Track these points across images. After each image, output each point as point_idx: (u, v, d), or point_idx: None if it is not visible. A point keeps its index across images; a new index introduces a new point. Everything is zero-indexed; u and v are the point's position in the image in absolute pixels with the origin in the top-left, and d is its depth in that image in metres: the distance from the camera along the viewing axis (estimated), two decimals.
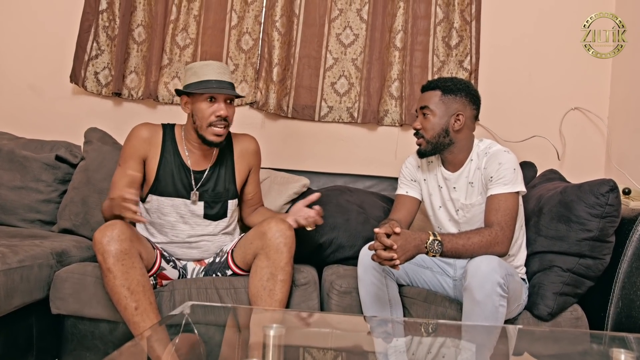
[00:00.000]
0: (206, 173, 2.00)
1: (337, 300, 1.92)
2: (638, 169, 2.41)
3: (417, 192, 1.99)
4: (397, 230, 1.60)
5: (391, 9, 2.70)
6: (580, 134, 2.71)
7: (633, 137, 2.49)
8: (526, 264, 1.92)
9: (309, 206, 1.97)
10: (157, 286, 1.91)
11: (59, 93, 2.81)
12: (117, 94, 2.75)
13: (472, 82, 2.63)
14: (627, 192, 2.17)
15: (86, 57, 2.72)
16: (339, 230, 2.21)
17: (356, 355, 1.54)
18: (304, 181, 2.49)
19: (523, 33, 2.73)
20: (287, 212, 2.26)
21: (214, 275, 1.99)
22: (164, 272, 1.92)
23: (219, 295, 1.89)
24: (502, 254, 1.69)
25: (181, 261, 2.03)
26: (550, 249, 1.88)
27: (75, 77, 2.73)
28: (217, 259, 2.01)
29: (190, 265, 2.03)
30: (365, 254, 1.81)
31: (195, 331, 1.55)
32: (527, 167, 2.29)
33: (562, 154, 2.70)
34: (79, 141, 2.58)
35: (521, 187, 1.76)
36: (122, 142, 2.03)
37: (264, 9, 2.75)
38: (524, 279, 1.90)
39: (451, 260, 1.95)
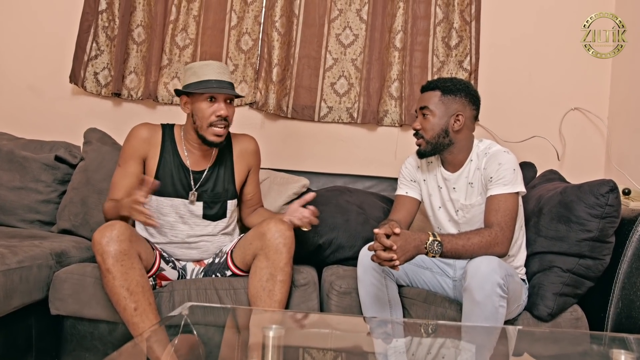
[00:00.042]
0: (205, 173, 2.00)
1: (337, 300, 1.92)
2: (638, 169, 2.41)
3: (416, 192, 1.99)
4: (397, 230, 1.60)
5: (391, 9, 2.70)
6: (580, 134, 2.71)
7: (633, 138, 2.49)
8: (526, 265, 1.92)
9: (305, 206, 1.96)
10: (157, 287, 1.91)
11: (59, 93, 2.81)
12: (117, 95, 2.75)
13: (472, 82, 2.63)
14: (627, 192, 2.17)
15: (86, 58, 2.72)
16: (339, 230, 2.20)
17: (356, 356, 1.54)
18: (304, 181, 2.49)
19: (523, 33, 2.73)
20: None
21: (213, 275, 1.99)
22: (163, 272, 1.91)
23: (219, 295, 1.89)
24: (502, 255, 1.68)
25: (180, 262, 2.03)
26: (550, 250, 1.88)
27: (75, 78, 2.73)
28: (217, 260, 2.01)
29: (190, 266, 2.03)
30: (364, 254, 1.81)
31: (195, 332, 1.55)
32: (526, 168, 2.29)
33: (562, 154, 2.70)
34: (79, 141, 2.57)
35: (521, 188, 1.75)
36: (121, 143, 2.03)
37: (263, 9, 2.75)
38: (523, 280, 1.89)
39: (451, 261, 1.95)
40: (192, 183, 1.98)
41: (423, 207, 2.03)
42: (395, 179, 2.09)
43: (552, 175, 2.25)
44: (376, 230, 1.62)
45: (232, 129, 2.00)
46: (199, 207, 1.98)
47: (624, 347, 1.48)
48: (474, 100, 1.87)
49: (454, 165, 1.89)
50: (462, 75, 2.66)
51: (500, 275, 1.58)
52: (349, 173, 2.68)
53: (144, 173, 1.97)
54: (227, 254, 1.99)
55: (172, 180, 1.96)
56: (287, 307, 1.86)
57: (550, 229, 1.89)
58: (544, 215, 1.92)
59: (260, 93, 2.71)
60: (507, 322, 1.73)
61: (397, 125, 2.71)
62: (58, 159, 2.46)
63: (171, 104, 2.76)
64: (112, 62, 2.74)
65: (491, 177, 1.76)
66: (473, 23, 2.67)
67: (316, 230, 2.17)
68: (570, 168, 2.63)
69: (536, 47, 2.72)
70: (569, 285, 1.84)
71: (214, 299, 1.88)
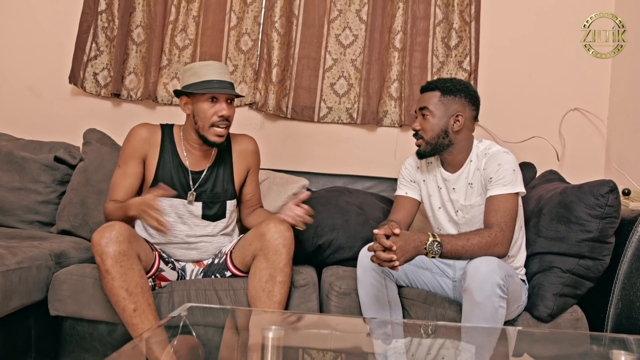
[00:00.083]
0: (204, 173, 2.00)
1: (337, 301, 1.92)
2: (638, 169, 2.41)
3: (416, 193, 1.99)
4: (397, 231, 1.60)
5: (390, 9, 2.70)
6: (580, 134, 2.71)
7: (633, 138, 2.49)
8: (526, 265, 1.92)
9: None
10: (156, 287, 1.91)
11: (58, 94, 2.81)
12: (116, 95, 2.75)
13: (472, 82, 2.63)
14: (626, 193, 2.17)
15: (85, 58, 2.72)
16: (338, 231, 2.20)
17: (355, 356, 1.54)
18: (303, 182, 2.48)
19: (523, 33, 2.73)
20: None
21: (212, 276, 1.99)
22: (162, 273, 1.91)
23: (218, 296, 1.89)
24: (502, 255, 1.68)
25: (180, 262, 2.03)
26: (550, 250, 1.88)
27: (74, 78, 2.72)
28: (216, 260, 2.01)
29: (189, 267, 2.03)
30: (364, 255, 1.81)
31: (194, 333, 1.54)
32: (526, 168, 2.29)
33: (561, 154, 2.70)
34: (78, 142, 2.57)
35: (521, 188, 1.75)
36: (121, 143, 2.02)
37: (263, 10, 2.75)
38: (523, 280, 1.89)
39: (451, 262, 1.95)
40: (191, 183, 1.98)
41: (423, 208, 2.02)
42: (395, 180, 2.09)
43: (552, 176, 2.25)
44: (376, 231, 1.62)
45: (231, 130, 2.00)
46: (198, 207, 1.97)
47: (623, 348, 1.48)
48: (474, 100, 1.87)
49: (453, 166, 1.88)
50: (461, 76, 2.66)
51: (500, 275, 1.58)
52: (349, 173, 2.68)
53: (144, 173, 1.97)
54: (226, 254, 1.98)
55: (171, 180, 1.96)
56: (286, 307, 1.86)
57: (550, 229, 1.88)
58: (544, 216, 1.92)
59: (260, 93, 2.71)
60: (507, 323, 1.73)
61: (396, 125, 2.71)
62: (57, 159, 2.46)
63: (170, 104, 2.75)
64: (112, 62, 2.73)
65: (491, 178, 1.76)
66: (473, 23, 2.66)
67: (316, 231, 2.17)
68: (570, 168, 2.63)
69: (536, 47, 2.72)
70: (569, 286, 1.83)
71: (213, 299, 1.88)
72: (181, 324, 1.48)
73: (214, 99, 1.90)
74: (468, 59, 2.67)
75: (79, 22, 2.71)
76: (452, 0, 2.67)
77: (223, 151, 2.05)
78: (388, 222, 1.86)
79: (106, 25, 2.74)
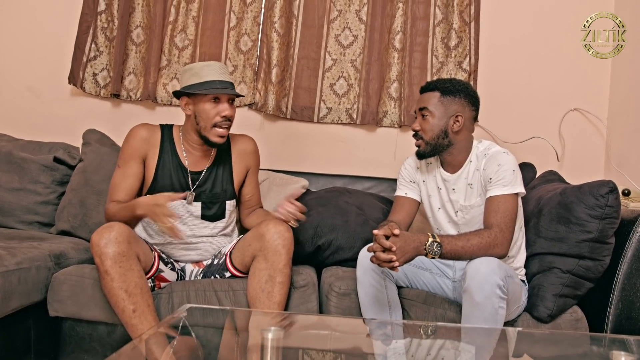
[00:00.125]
0: (203, 174, 2.00)
1: (336, 302, 1.92)
2: (638, 170, 2.40)
3: (416, 193, 1.99)
4: (396, 232, 1.60)
5: (390, 10, 2.70)
6: (580, 135, 2.71)
7: (633, 138, 2.49)
8: (526, 266, 1.92)
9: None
10: (155, 288, 1.90)
11: (57, 94, 2.81)
12: (116, 95, 2.75)
13: (471, 83, 2.63)
14: (626, 193, 2.17)
15: (85, 59, 2.72)
16: (338, 231, 2.20)
17: (355, 357, 1.54)
18: (303, 182, 2.48)
19: (522, 33, 2.73)
20: None
21: (212, 277, 1.98)
22: (162, 274, 1.91)
23: (218, 297, 1.89)
24: (502, 256, 1.68)
25: (179, 263, 2.02)
26: (549, 251, 1.88)
27: (74, 79, 2.72)
28: (216, 261, 2.01)
29: (189, 267, 2.03)
30: (364, 255, 1.81)
31: (193, 334, 1.54)
32: (526, 168, 2.29)
33: (561, 155, 2.69)
34: (77, 143, 2.57)
35: (520, 189, 1.75)
36: (120, 144, 2.02)
37: (262, 10, 2.75)
38: (523, 281, 1.89)
39: (450, 262, 1.94)
40: (190, 183, 1.98)
41: (422, 208, 2.02)
42: (395, 180, 2.09)
43: (552, 176, 2.25)
44: (375, 232, 1.62)
45: (231, 130, 1.99)
46: (197, 207, 1.97)
47: (623, 349, 1.48)
48: (473, 101, 1.87)
49: (453, 166, 1.88)
50: (461, 76, 2.66)
51: (499, 276, 1.58)
52: (349, 174, 2.67)
53: (144, 173, 1.97)
54: (226, 255, 1.98)
55: (170, 180, 1.96)
56: (286, 308, 1.86)
57: (550, 230, 1.88)
58: (544, 216, 1.92)
59: (260, 94, 2.71)
60: (506, 324, 1.73)
61: (396, 126, 2.71)
62: (57, 160, 2.46)
63: (170, 104, 2.75)
64: (111, 63, 2.73)
65: (490, 178, 1.76)
66: (472, 24, 2.66)
67: (315, 231, 2.17)
68: (570, 169, 2.63)
69: (536, 47, 2.72)
70: (569, 287, 1.83)
71: (213, 300, 1.88)
72: (180, 325, 1.48)
73: (216, 100, 1.89)
74: (468, 59, 2.67)
75: (78, 22, 2.71)
76: (451, 1, 2.67)
77: (222, 151, 2.05)
78: (388, 222, 1.85)
79: (106, 25, 2.73)
